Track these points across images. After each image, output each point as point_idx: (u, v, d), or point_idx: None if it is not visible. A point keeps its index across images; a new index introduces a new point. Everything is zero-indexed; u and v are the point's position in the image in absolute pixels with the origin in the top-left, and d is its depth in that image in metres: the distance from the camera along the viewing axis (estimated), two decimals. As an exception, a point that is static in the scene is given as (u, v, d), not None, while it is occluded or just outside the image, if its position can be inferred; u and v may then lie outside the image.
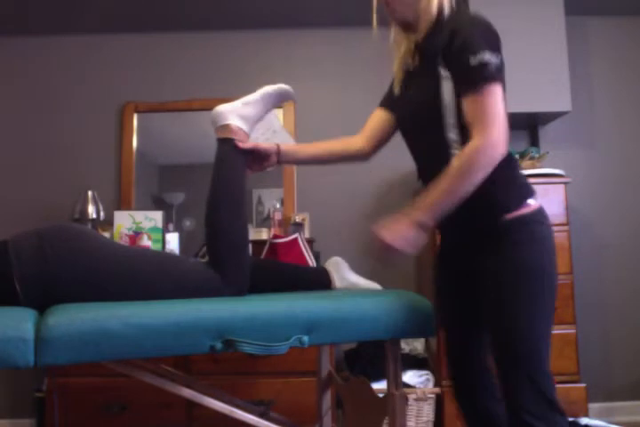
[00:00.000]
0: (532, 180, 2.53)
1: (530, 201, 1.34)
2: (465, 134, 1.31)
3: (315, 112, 3.02)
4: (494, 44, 1.26)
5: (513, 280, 1.30)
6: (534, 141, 2.96)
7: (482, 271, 1.35)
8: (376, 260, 1.31)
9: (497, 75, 1.25)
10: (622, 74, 3.07)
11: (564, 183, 2.57)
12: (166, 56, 3.04)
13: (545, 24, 2.71)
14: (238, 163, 1.57)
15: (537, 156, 2.67)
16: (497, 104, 1.25)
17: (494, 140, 1.23)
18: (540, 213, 1.34)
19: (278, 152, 1.61)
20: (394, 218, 1.29)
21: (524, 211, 1.31)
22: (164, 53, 3.04)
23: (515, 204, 1.32)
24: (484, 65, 1.22)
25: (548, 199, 2.55)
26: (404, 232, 1.26)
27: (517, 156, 2.69)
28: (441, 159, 1.34)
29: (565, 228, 2.54)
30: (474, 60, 1.23)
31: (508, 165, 1.32)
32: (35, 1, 2.70)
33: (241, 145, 1.56)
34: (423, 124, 1.39)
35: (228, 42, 3.05)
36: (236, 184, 1.55)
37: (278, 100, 1.69)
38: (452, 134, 1.33)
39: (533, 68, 2.68)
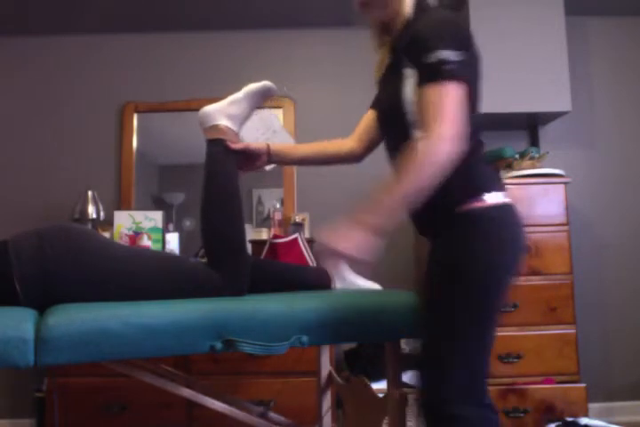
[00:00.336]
0: (531, 180, 2.57)
1: (487, 196, 1.25)
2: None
3: (315, 112, 3.02)
4: (456, 43, 1.20)
5: (441, 280, 1.24)
6: (534, 141, 2.96)
7: (430, 267, 1.30)
8: (326, 266, 1.19)
9: (456, 73, 1.18)
10: (622, 74, 3.07)
11: (564, 183, 2.57)
12: (166, 56, 3.04)
13: (545, 24, 2.71)
14: (230, 163, 1.56)
15: (537, 156, 2.67)
16: (450, 101, 1.17)
17: (441, 136, 1.15)
18: (498, 209, 1.25)
19: (269, 152, 1.61)
20: (345, 222, 1.17)
21: (476, 205, 1.24)
22: (164, 53, 3.04)
23: (466, 197, 1.25)
24: (440, 63, 1.17)
25: (548, 199, 2.55)
26: (356, 239, 1.14)
27: (517, 155, 2.69)
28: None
29: (565, 228, 2.55)
30: (430, 58, 1.18)
31: (467, 158, 1.25)
32: (35, 1, 2.70)
33: (232, 145, 1.56)
34: (391, 124, 1.37)
35: (228, 42, 3.05)
36: (230, 184, 1.54)
37: (263, 97, 1.68)
38: (416, 134, 1.29)
39: (533, 68, 2.69)
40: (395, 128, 1.35)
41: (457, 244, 1.24)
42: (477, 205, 1.24)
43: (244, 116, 1.64)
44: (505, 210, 1.27)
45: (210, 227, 1.54)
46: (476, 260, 1.22)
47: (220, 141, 1.56)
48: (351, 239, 1.14)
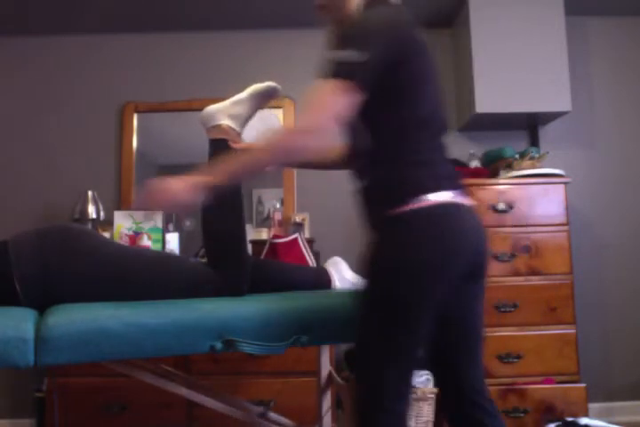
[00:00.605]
0: (531, 180, 2.57)
1: (421, 199, 1.21)
2: (371, 129, 1.28)
3: (315, 112, 3.01)
4: (358, 42, 1.19)
5: (366, 283, 1.25)
6: (534, 141, 2.96)
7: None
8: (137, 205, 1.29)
9: (345, 73, 1.17)
10: (622, 74, 3.07)
11: (564, 183, 2.57)
12: (166, 56, 3.04)
13: (545, 24, 2.71)
14: None
15: (537, 156, 2.67)
16: (330, 98, 1.17)
17: (303, 128, 1.18)
18: (418, 214, 1.21)
19: None
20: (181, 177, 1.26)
21: (402, 209, 1.21)
22: (164, 53, 3.04)
23: (396, 201, 1.22)
24: (333, 61, 1.19)
25: (548, 199, 2.55)
26: (176, 187, 1.22)
27: (517, 155, 2.69)
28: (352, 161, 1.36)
29: (565, 228, 2.55)
30: (330, 55, 1.21)
31: (399, 162, 1.25)
32: (35, 1, 2.70)
33: (234, 145, 1.56)
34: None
35: (228, 42, 3.05)
36: (231, 184, 1.54)
37: (267, 98, 1.68)
38: (362, 131, 1.30)
39: (533, 68, 2.68)
40: (347, 128, 1.36)
41: (378, 245, 1.26)
42: (406, 208, 1.21)
43: (247, 116, 1.63)
44: (423, 213, 1.21)
45: (211, 227, 1.54)
46: (387, 259, 1.22)
47: (223, 141, 1.56)
48: (177, 186, 1.23)
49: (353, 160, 1.36)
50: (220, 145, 1.56)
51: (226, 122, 1.58)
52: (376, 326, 1.22)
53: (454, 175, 1.30)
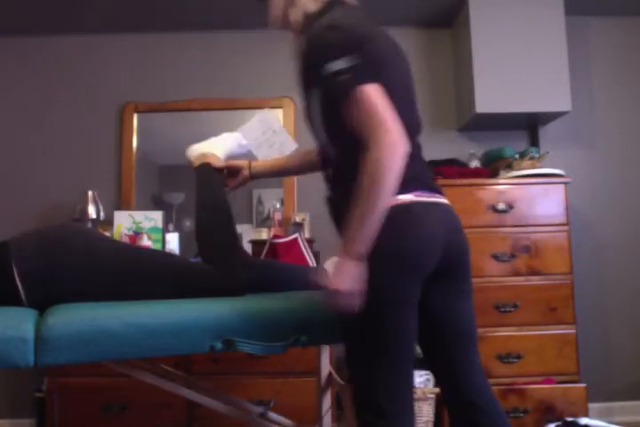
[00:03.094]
0: (531, 180, 2.57)
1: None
2: (336, 142, 1.29)
3: (315, 112, 3.01)
4: (340, 50, 1.17)
5: None
6: (534, 141, 2.96)
7: None
8: (336, 309, 1.21)
9: (357, 78, 1.16)
10: (622, 74, 3.07)
11: (564, 183, 2.57)
12: (166, 56, 3.04)
13: (545, 24, 2.71)
14: (214, 178, 1.65)
15: (537, 156, 2.67)
16: (372, 105, 1.16)
17: (386, 142, 1.14)
18: (392, 215, 1.19)
19: (249, 166, 1.70)
20: (333, 262, 1.24)
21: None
22: (164, 53, 3.04)
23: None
24: (335, 74, 1.16)
25: (548, 199, 2.55)
26: (349, 272, 1.17)
27: (517, 155, 2.69)
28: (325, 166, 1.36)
29: (565, 228, 2.55)
30: (324, 72, 1.17)
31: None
32: (35, 1, 2.70)
33: (215, 164, 1.66)
34: (314, 135, 1.37)
35: (229, 42, 3.04)
36: (216, 196, 1.62)
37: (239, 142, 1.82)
38: (328, 144, 1.32)
39: (533, 68, 2.69)
40: (316, 139, 1.37)
41: None
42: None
43: (228, 146, 1.75)
44: (396, 214, 1.19)
45: (202, 232, 1.59)
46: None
47: (205, 165, 1.66)
48: (343, 274, 1.17)
49: (325, 168, 1.38)
50: (203, 168, 1.65)
51: (206, 149, 1.71)
52: (357, 326, 1.22)
53: (421, 176, 1.27)
